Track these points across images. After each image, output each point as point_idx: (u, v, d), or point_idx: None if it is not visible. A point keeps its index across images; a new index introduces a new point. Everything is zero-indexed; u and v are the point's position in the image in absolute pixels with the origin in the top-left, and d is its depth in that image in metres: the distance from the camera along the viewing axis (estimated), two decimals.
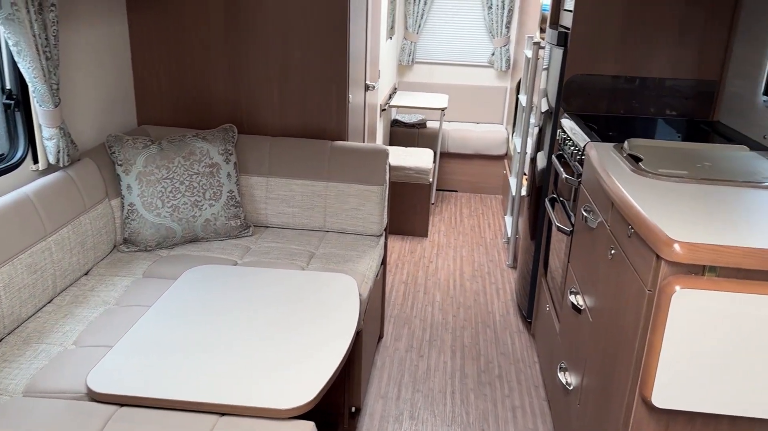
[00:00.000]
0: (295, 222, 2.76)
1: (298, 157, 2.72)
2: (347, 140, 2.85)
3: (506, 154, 5.28)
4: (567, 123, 2.69)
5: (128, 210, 2.46)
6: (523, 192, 3.86)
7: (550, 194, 2.92)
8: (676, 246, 1.34)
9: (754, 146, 2.26)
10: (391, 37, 4.89)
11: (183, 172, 2.51)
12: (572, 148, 2.48)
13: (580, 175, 2.35)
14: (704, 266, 1.36)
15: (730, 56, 2.63)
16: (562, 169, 2.56)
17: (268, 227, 2.79)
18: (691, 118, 2.76)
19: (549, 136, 2.95)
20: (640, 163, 1.93)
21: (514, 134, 4.50)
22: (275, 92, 2.79)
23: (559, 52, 2.84)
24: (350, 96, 2.84)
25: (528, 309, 3.20)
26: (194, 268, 2.25)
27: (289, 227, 2.78)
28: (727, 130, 2.56)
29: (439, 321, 3.27)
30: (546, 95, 3.09)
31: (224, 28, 2.72)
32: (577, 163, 2.39)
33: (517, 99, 5.13)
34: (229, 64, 2.78)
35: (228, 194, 2.60)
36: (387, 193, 2.75)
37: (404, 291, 3.58)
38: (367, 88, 3.52)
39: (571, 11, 2.86)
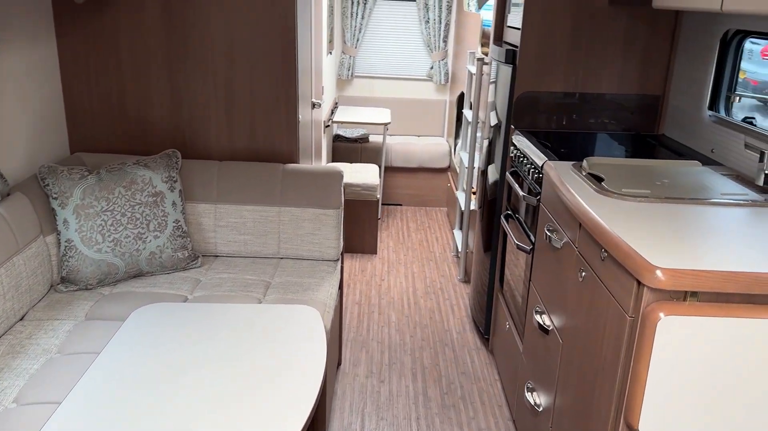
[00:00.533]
0: (247, 250, 2.63)
1: (249, 182, 2.60)
2: (298, 162, 2.75)
3: (449, 167, 5.30)
4: (520, 140, 2.69)
5: (66, 246, 2.27)
6: (473, 206, 3.87)
7: (505, 211, 2.92)
8: (659, 273, 1.33)
9: (704, 160, 2.32)
10: (330, 52, 4.82)
11: (124, 203, 2.34)
12: (528, 166, 2.48)
13: (538, 194, 2.35)
14: (686, 292, 1.36)
15: (672, 72, 2.72)
16: (518, 187, 2.55)
17: (217, 256, 2.65)
18: (637, 132, 2.82)
19: (500, 151, 2.95)
20: (602, 183, 1.94)
21: (460, 148, 4.51)
22: (221, 113, 2.67)
23: (507, 70, 2.85)
24: (299, 116, 2.75)
25: (485, 326, 3.19)
26: (142, 308, 2.09)
27: (240, 255, 2.65)
28: (673, 143, 2.63)
29: (396, 342, 3.21)
30: (495, 109, 3.10)
31: (164, 47, 2.57)
32: (534, 182, 2.39)
33: (458, 112, 5.17)
34: (170, 84, 2.63)
35: (174, 224, 2.45)
36: (342, 215, 2.67)
37: (359, 312, 3.50)
38: (313, 105, 3.44)
39: (515, 29, 2.88)
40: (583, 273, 1.77)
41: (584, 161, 2.16)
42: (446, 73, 5.50)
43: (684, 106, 2.60)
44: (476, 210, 3.67)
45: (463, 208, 4.02)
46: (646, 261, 1.37)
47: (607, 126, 2.83)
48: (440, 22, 5.32)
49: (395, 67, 5.60)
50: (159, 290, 2.33)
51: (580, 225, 1.82)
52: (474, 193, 3.90)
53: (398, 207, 5.42)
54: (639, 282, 1.40)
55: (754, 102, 2.31)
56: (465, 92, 4.28)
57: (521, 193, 2.47)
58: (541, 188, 2.32)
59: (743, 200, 1.82)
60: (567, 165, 2.21)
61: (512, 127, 2.86)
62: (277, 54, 2.57)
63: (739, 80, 2.35)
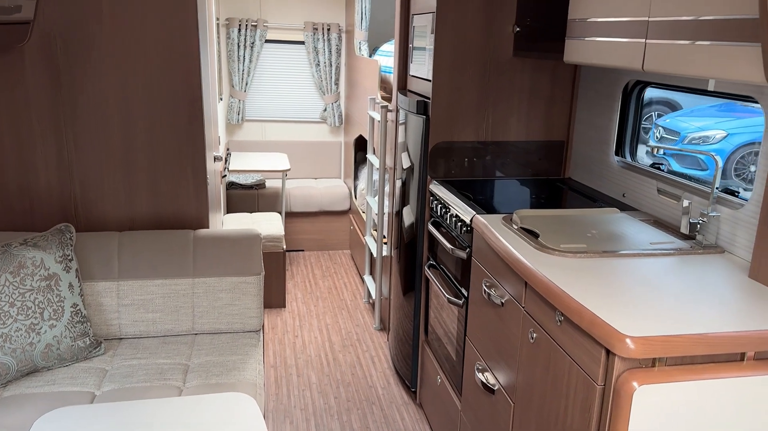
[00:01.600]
0: (156, 329, 2.37)
1: (155, 253, 2.35)
2: (208, 225, 2.54)
3: (350, 209, 5.23)
4: (439, 190, 2.68)
5: None
6: (385, 251, 3.81)
7: (428, 261, 2.88)
8: (630, 342, 1.32)
9: (618, 205, 2.42)
10: (221, 98, 4.61)
11: (12, 290, 2.02)
12: (454, 219, 2.45)
13: (467, 247, 2.32)
14: (655, 358, 1.36)
15: (573, 119, 2.84)
16: (444, 239, 2.52)
17: (122, 339, 2.36)
18: (546, 177, 2.91)
19: (416, 194, 2.91)
20: (539, 239, 1.95)
21: (365, 192, 4.45)
22: (119, 178, 2.40)
23: (419, 120, 2.84)
24: (209, 179, 2.55)
25: (411, 378, 3.11)
26: (44, 417, 1.79)
27: (149, 335, 2.38)
28: (582, 186, 2.73)
29: (321, 407, 3.03)
30: (407, 150, 3.07)
31: (49, 106, 2.29)
32: (463, 235, 2.36)
33: (356, 153, 5.13)
34: (57, 149, 2.33)
35: (72, 309, 2.15)
36: (263, 281, 2.49)
37: (276, 377, 3.29)
38: (215, 159, 3.22)
39: (423, 79, 2.89)
40: (535, 335, 1.74)
41: (514, 214, 2.17)
42: (340, 115, 5.46)
43: (589, 151, 2.72)
44: (389, 256, 3.61)
45: (374, 254, 3.94)
46: (616, 331, 1.35)
47: (520, 172, 2.89)
48: (331, 65, 5.28)
49: (287, 110, 5.48)
50: (60, 388, 2.02)
51: (526, 283, 1.80)
52: (385, 240, 3.85)
53: (301, 253, 5.25)
54: (608, 351, 1.38)
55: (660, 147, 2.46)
56: (368, 137, 4.24)
57: (449, 246, 2.43)
58: (470, 242, 2.30)
59: (673, 249, 1.89)
60: (497, 218, 2.20)
61: (429, 176, 2.84)
62: (181, 107, 2.37)
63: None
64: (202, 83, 3.05)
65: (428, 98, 2.79)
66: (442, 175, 2.84)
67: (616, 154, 2.54)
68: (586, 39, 2.05)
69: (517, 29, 2.66)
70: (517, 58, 2.73)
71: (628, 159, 2.50)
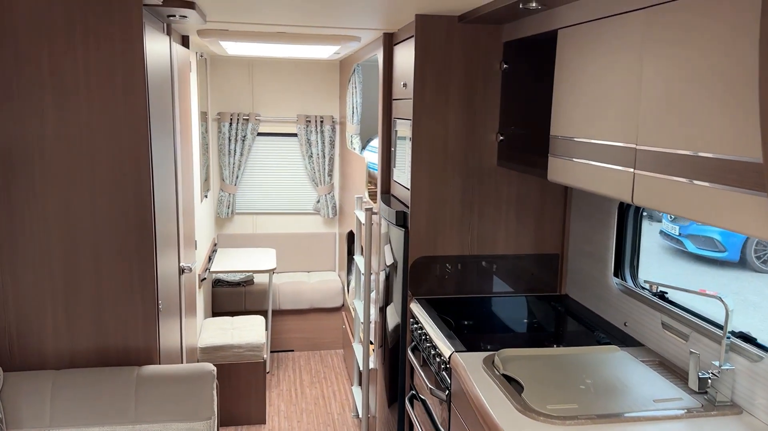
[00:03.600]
0: None
1: (93, 396, 2.08)
2: (159, 361, 2.27)
3: (343, 305, 4.95)
4: (420, 314, 2.40)
5: None
6: (372, 363, 3.50)
7: (409, 391, 2.57)
8: None
9: (618, 334, 2.13)
10: (206, 195, 4.44)
11: None
12: (433, 352, 2.17)
13: (447, 388, 2.03)
14: None
15: (567, 231, 2.59)
16: (423, 374, 2.23)
17: None
18: (540, 294, 2.63)
19: (399, 291, 2.63)
20: (523, 394, 1.65)
21: (353, 293, 4.19)
22: (59, 308, 2.16)
23: (399, 233, 2.60)
24: (160, 302, 2.30)
25: None
26: None
27: None
28: (579, 308, 2.45)
29: None
30: (390, 243, 2.81)
31: None
32: (443, 372, 2.07)
33: (349, 247, 4.89)
34: None
35: None
36: (216, 425, 2.19)
37: None
38: (182, 271, 2.99)
39: (404, 186, 2.68)
40: None
41: (496, 356, 1.89)
42: (334, 207, 5.27)
43: (586, 267, 2.45)
44: (376, 369, 3.30)
45: (361, 367, 3.63)
46: None
47: (509, 288, 2.62)
48: (324, 157, 5.14)
49: (279, 202, 5.30)
50: None
51: None
52: (372, 347, 3.55)
53: (290, 353, 4.93)
54: None
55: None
56: (355, 235, 4.02)
57: (428, 385, 2.14)
58: (450, 382, 2.01)
59: (681, 410, 1.59)
60: (478, 359, 1.92)
61: (409, 293, 2.57)
62: (131, 230, 2.15)
63: None
64: (178, 187, 2.87)
65: (408, 208, 2.56)
66: (424, 292, 2.58)
67: (615, 275, 2.26)
68: (571, 159, 1.83)
69: (501, 137, 2.46)
70: (503, 169, 2.51)
71: (629, 283, 2.22)
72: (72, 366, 2.19)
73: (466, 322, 2.32)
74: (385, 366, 2.98)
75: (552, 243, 2.60)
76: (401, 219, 2.60)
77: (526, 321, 2.45)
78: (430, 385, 2.13)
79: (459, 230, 2.54)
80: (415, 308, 2.48)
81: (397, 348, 2.71)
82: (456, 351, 1.99)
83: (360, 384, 3.95)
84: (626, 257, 2.26)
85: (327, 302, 4.92)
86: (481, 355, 1.95)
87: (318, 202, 5.27)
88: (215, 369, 2.20)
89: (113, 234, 2.15)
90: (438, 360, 2.09)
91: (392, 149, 2.94)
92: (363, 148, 4.65)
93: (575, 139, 1.81)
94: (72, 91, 2.06)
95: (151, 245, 2.18)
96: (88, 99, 2.07)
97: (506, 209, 2.55)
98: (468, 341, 2.08)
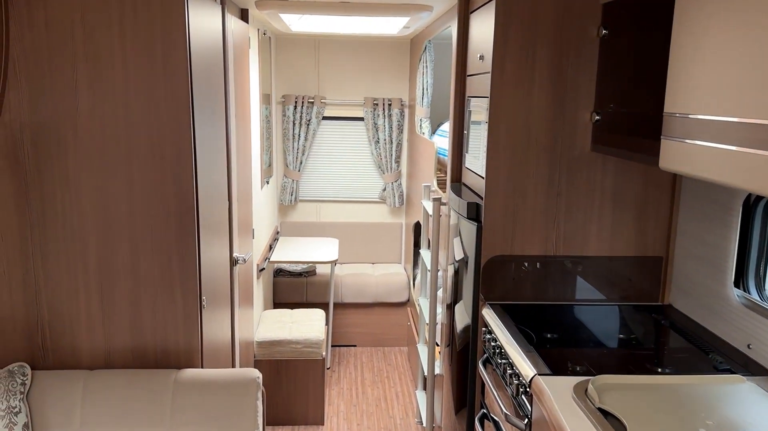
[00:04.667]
0: None
1: (127, 400, 1.88)
2: (201, 364, 2.05)
3: (408, 300, 4.66)
4: (493, 322, 2.08)
5: None
6: (437, 368, 3.20)
7: (479, 409, 2.25)
8: None
9: (741, 360, 1.73)
10: (267, 181, 4.25)
11: None
12: (510, 371, 1.84)
13: (527, 417, 1.70)
14: None
15: (674, 231, 2.18)
16: (496, 394, 1.91)
17: None
18: (638, 303, 2.24)
19: (469, 289, 2.31)
20: None
21: (419, 290, 3.88)
22: (94, 306, 1.98)
23: (471, 228, 2.28)
24: (204, 298, 2.08)
25: None
26: None
27: None
28: (686, 321, 2.05)
29: None
30: (459, 235, 2.49)
31: (15, 216, 1.91)
32: (523, 398, 1.74)
33: (415, 238, 4.59)
34: (23, 269, 1.94)
35: None
36: None
37: None
38: (235, 262, 2.79)
39: (477, 174, 2.34)
40: None
41: (590, 384, 1.54)
42: (400, 195, 4.97)
43: (697, 275, 2.04)
44: (442, 375, 3.00)
45: (425, 371, 3.33)
46: None
47: (600, 295, 2.24)
48: (392, 143, 4.84)
49: (344, 190, 5.06)
50: None
51: None
52: (438, 349, 3.24)
53: (352, 348, 4.70)
54: None
55: None
56: (422, 226, 3.72)
57: (503, 409, 1.81)
58: (530, 409, 1.68)
59: None
60: (567, 386, 1.57)
61: (482, 297, 2.25)
62: (171, 219, 1.94)
63: None
64: (231, 172, 2.65)
65: (482, 199, 2.23)
66: (498, 297, 2.24)
67: (737, 285, 1.85)
68: (689, 142, 1.45)
69: (597, 117, 2.08)
70: (598, 154, 2.13)
71: (754, 295, 1.81)
72: (107, 366, 2.01)
73: (548, 335, 1.97)
74: (452, 370, 2.67)
75: (655, 244, 2.20)
76: (473, 212, 2.27)
77: (622, 336, 2.07)
78: (505, 410, 1.80)
79: (542, 226, 2.18)
80: (488, 315, 2.15)
81: (465, 351, 2.39)
82: (539, 374, 1.65)
83: (424, 388, 3.66)
84: (751, 264, 1.84)
85: (392, 296, 4.65)
86: (571, 381, 1.60)
87: (384, 190, 4.99)
88: (260, 376, 1.96)
89: (151, 222, 1.93)
90: (516, 381, 1.76)
91: (465, 132, 2.61)
92: (433, 132, 4.32)
93: (699, 117, 1.42)
94: (107, 61, 1.85)
95: (193, 235, 1.96)
96: (124, 71, 1.86)
97: (600, 203, 2.17)
98: (552, 360, 1.74)
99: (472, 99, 2.48)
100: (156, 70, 1.86)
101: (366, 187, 5.05)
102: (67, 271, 1.94)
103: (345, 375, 4.24)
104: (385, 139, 4.84)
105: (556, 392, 1.56)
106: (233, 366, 2.76)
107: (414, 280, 4.48)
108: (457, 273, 2.61)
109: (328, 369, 4.28)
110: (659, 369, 1.78)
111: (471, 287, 2.30)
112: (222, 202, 2.48)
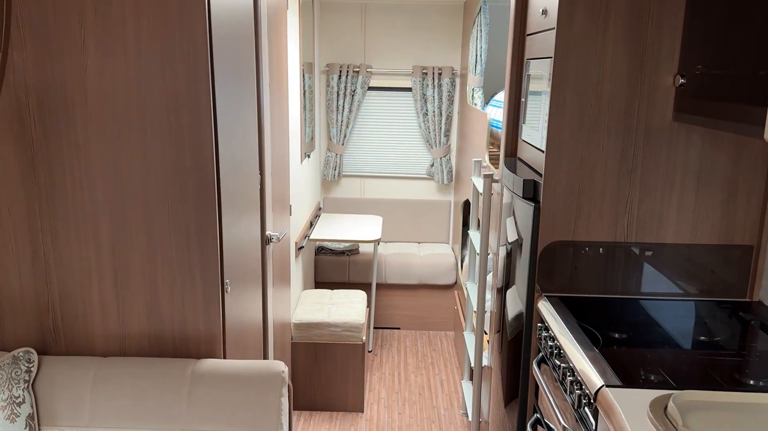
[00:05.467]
0: None
1: (139, 392, 1.71)
2: (223, 352, 1.86)
3: (455, 282, 4.41)
4: (551, 318, 1.81)
5: None
6: (485, 359, 2.95)
7: (532, 414, 2.00)
8: None
9: None
10: (308, 155, 4.04)
11: None
12: (570, 377, 1.57)
13: None
14: None
15: None
16: (552, 401, 1.65)
17: None
18: (721, 299, 1.92)
19: (523, 272, 2.05)
20: None
21: (467, 273, 3.62)
22: (106, 284, 1.81)
23: (527, 209, 2.00)
24: (227, 281, 1.89)
25: None
26: None
27: None
28: None
29: None
30: (513, 215, 2.22)
31: (23, 188, 1.75)
32: (586, 410, 1.48)
33: (464, 217, 4.32)
34: (32, 246, 1.79)
35: None
36: None
37: None
38: (269, 240, 2.59)
39: (535, 148, 2.05)
40: None
41: (671, 401, 1.26)
42: (449, 171, 4.69)
43: None
44: (490, 367, 2.76)
45: (472, 361, 3.09)
46: None
47: (676, 289, 1.94)
48: (441, 115, 4.55)
49: (390, 165, 4.81)
50: None
51: None
52: (487, 337, 2.99)
53: (395, 331, 4.50)
54: None
55: None
56: (472, 205, 3.44)
57: (560, 421, 1.56)
58: (595, 424, 1.42)
59: None
60: (642, 401, 1.31)
61: (537, 288, 1.98)
62: (186, 186, 1.74)
63: None
64: (263, 145, 2.45)
65: (541, 176, 1.94)
66: (557, 289, 1.97)
67: None
68: None
69: (682, 81, 1.76)
70: (681, 124, 1.81)
71: None
72: (123, 353, 1.84)
73: (616, 335, 1.69)
74: (501, 358, 2.42)
75: (745, 231, 1.88)
76: (530, 191, 1.99)
77: (702, 338, 1.77)
78: (563, 422, 1.55)
79: (612, 208, 1.88)
80: (545, 309, 1.88)
81: (516, 342, 2.13)
82: (607, 386, 1.38)
83: (471, 379, 3.42)
84: None
85: (438, 278, 4.41)
86: (646, 395, 1.33)
87: (432, 165, 4.72)
88: (286, 369, 1.76)
89: (168, 198, 1.74)
90: (578, 391, 1.50)
91: (522, 100, 2.31)
92: (486, 103, 4.00)
93: None
94: (116, 14, 1.64)
95: (214, 212, 1.76)
96: (136, 25, 1.65)
97: (682, 182, 1.85)
98: (621, 365, 1.47)
99: (531, 62, 2.18)
100: (171, 23, 1.64)
101: (413, 163, 4.79)
102: (77, 249, 1.78)
103: (387, 359, 4.04)
104: (434, 111, 4.55)
105: (629, 409, 1.29)
106: (265, 350, 2.59)
107: (462, 262, 4.22)
108: (509, 255, 2.34)
109: (369, 352, 4.09)
110: (751, 381, 1.48)
111: (525, 275, 2.04)
112: (252, 177, 2.28)
